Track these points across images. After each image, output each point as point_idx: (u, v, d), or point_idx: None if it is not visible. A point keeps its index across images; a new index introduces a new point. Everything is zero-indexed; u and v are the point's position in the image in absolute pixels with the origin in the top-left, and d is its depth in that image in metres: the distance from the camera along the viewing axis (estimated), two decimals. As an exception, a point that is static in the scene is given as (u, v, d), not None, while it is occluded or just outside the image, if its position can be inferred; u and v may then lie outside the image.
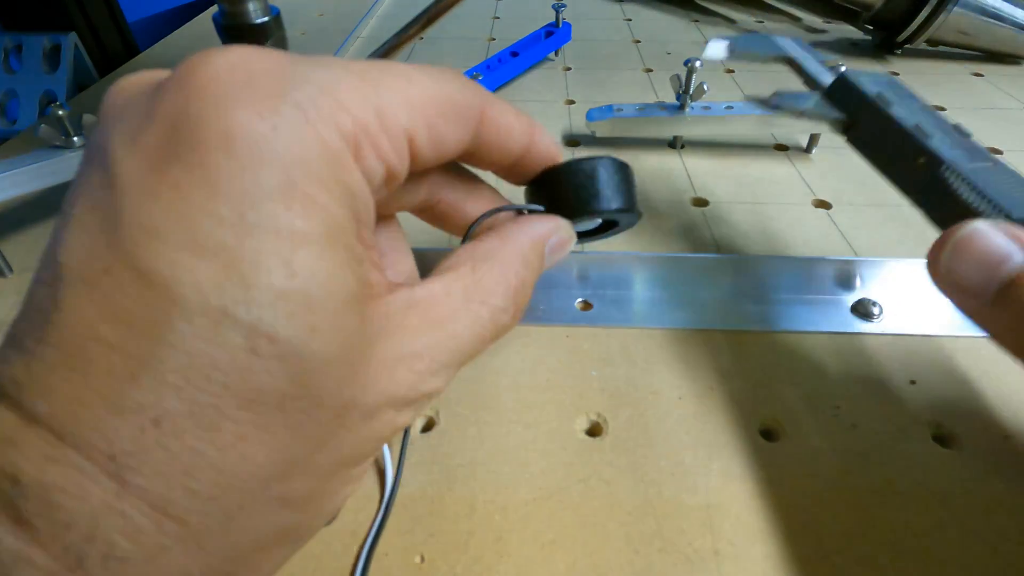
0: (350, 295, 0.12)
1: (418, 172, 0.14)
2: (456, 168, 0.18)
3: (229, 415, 0.10)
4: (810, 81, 0.25)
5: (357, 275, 0.12)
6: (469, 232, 0.17)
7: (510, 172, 0.17)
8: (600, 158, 0.17)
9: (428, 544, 0.18)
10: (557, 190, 0.17)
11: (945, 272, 0.16)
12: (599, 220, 0.19)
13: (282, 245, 0.11)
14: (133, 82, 0.13)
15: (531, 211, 0.18)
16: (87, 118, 0.29)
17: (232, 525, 0.11)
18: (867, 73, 0.23)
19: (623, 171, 0.18)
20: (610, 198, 0.17)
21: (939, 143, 0.19)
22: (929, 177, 0.19)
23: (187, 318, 0.10)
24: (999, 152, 0.38)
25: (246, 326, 0.10)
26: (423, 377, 0.14)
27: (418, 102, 0.13)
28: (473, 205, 0.18)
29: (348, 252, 0.12)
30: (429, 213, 0.18)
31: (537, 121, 0.17)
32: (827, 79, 0.24)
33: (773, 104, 0.24)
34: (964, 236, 0.16)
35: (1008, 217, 0.17)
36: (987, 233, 0.16)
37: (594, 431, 0.21)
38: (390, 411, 0.13)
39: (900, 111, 0.21)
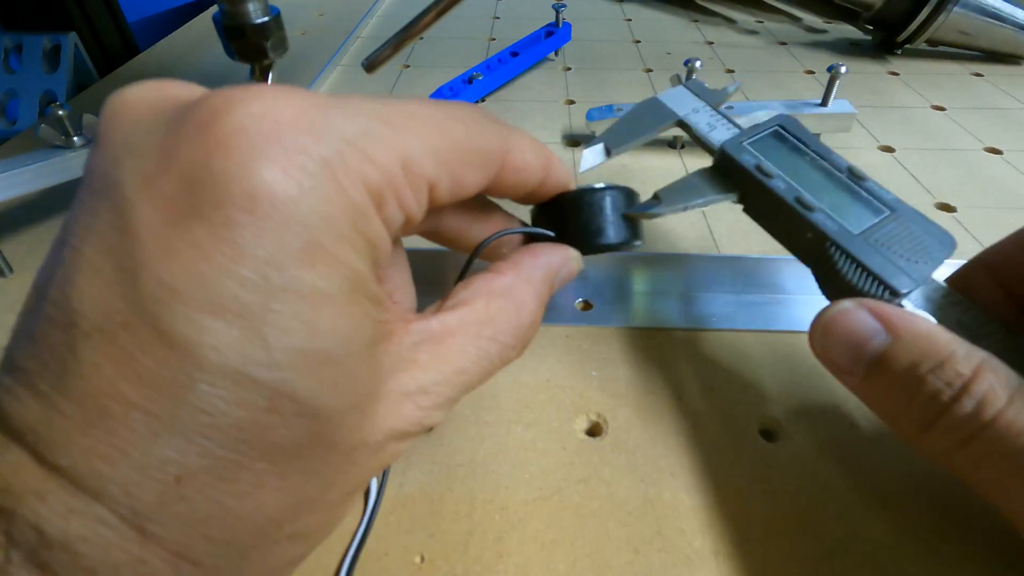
0: (367, 343, 0.12)
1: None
2: None
3: (247, 467, 0.11)
4: (704, 144, 0.22)
5: (374, 319, 0.12)
6: (478, 251, 0.17)
7: (521, 199, 0.18)
8: (608, 189, 0.18)
9: (428, 544, 0.18)
10: (566, 219, 0.18)
11: (820, 352, 0.17)
12: None
13: (304, 306, 0.11)
14: (139, 100, 0.12)
15: (539, 235, 0.18)
16: (87, 118, 0.29)
17: (244, 563, 0.11)
18: (755, 134, 0.21)
19: (630, 201, 0.18)
20: (617, 234, 0.18)
21: (822, 216, 0.18)
22: (817, 251, 0.18)
23: (209, 380, 0.10)
24: (999, 152, 0.38)
25: (268, 388, 0.10)
26: (427, 412, 0.14)
27: (444, 152, 0.13)
28: (480, 227, 0.18)
29: (367, 300, 0.12)
30: (436, 236, 0.18)
31: (552, 153, 0.17)
32: (721, 136, 0.21)
33: (653, 212, 0.20)
34: (830, 318, 0.16)
35: (894, 292, 0.17)
36: (851, 314, 0.16)
37: (594, 431, 0.21)
38: (392, 443, 0.13)
39: (781, 183, 0.19)
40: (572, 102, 0.44)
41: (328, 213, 0.11)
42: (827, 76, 0.34)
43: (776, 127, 0.21)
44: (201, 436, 0.10)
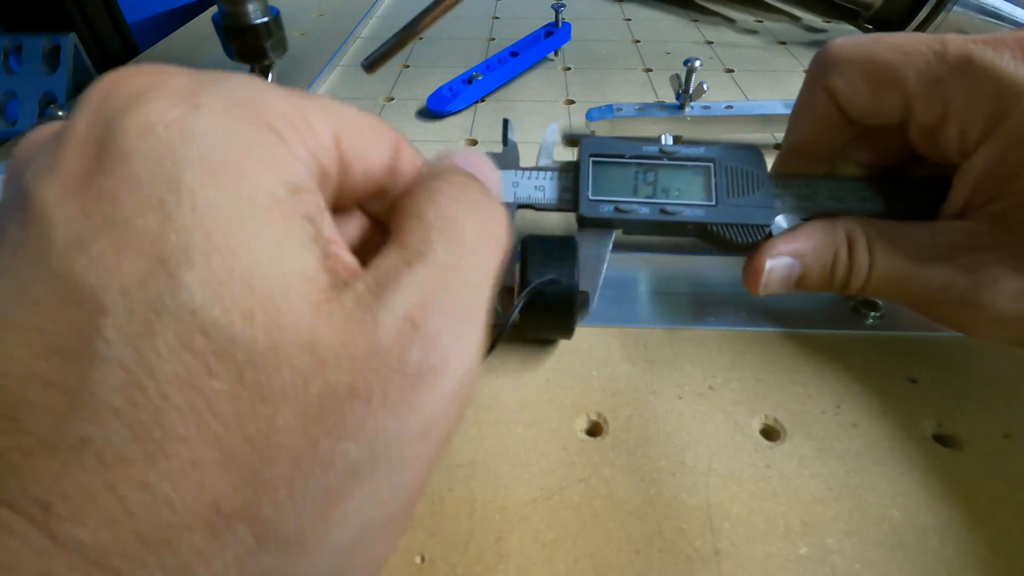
0: (297, 274, 0.10)
1: (346, 204, 0.14)
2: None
3: (179, 435, 0.09)
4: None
5: (310, 258, 0.11)
6: (518, 304, 0.20)
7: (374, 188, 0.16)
8: (523, 239, 0.22)
9: (428, 544, 0.18)
10: (554, 253, 0.21)
11: (768, 293, 0.22)
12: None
13: (211, 225, 0.10)
14: (39, 131, 0.12)
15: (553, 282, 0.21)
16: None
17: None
18: (586, 175, 0.23)
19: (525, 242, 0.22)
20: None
21: (688, 211, 0.22)
22: (700, 233, 0.23)
23: (117, 325, 0.09)
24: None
25: (177, 320, 0.09)
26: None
27: (337, 113, 0.13)
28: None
29: (297, 229, 0.11)
30: None
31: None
32: (552, 191, 0.24)
33: (591, 305, 0.23)
34: (768, 275, 0.22)
35: (764, 229, 0.22)
36: (774, 263, 0.22)
37: (594, 431, 0.21)
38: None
39: (642, 208, 0.22)
40: (572, 102, 0.44)
41: (228, 132, 0.10)
42: (827, 76, 0.34)
43: (590, 158, 0.23)
44: (120, 397, 0.09)
